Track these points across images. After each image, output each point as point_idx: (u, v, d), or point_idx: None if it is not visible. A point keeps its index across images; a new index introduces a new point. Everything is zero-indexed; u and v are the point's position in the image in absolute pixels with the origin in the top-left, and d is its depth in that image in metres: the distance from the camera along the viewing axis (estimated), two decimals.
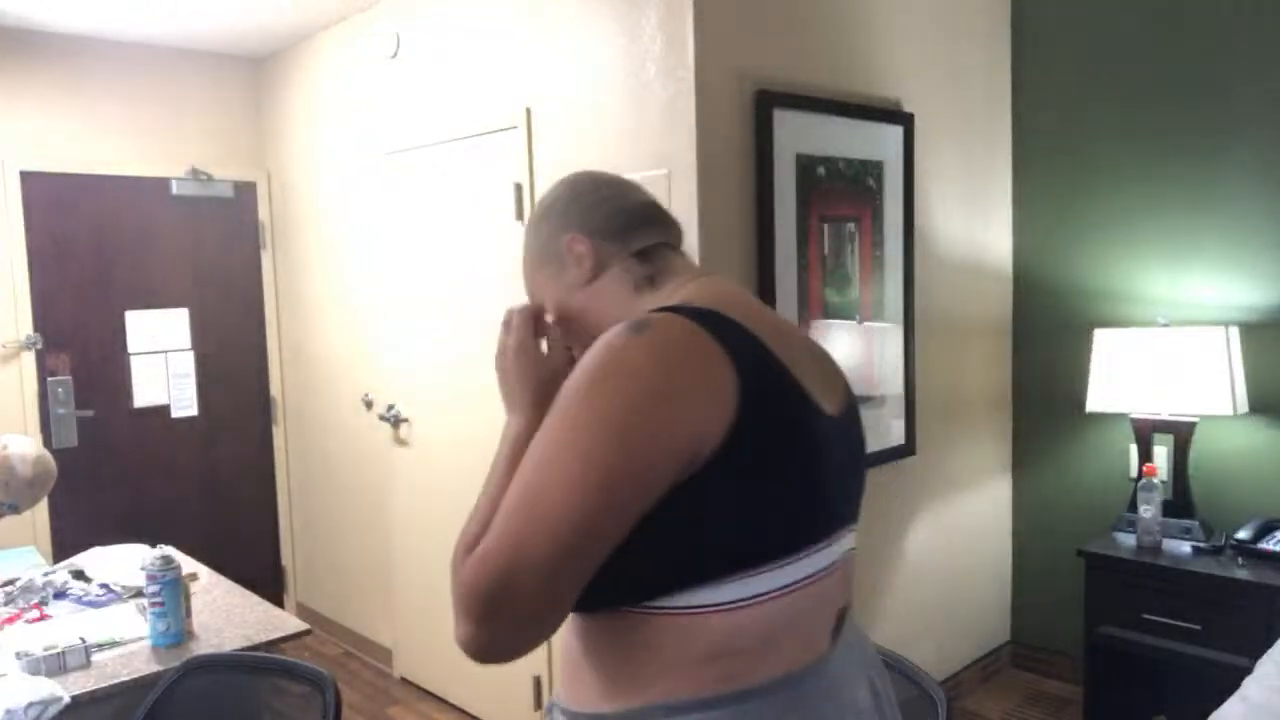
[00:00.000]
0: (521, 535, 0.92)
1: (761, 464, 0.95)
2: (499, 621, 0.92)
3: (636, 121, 2.69)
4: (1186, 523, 3.00)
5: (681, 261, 1.19)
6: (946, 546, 3.44)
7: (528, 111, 3.05)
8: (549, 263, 1.18)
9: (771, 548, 0.96)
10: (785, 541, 0.97)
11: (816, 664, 1.01)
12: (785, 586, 0.97)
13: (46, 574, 2.38)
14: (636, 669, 0.98)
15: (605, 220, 1.17)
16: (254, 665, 1.85)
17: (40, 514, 3.89)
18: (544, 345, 1.19)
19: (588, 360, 0.98)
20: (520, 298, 1.26)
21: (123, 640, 2.07)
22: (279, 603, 4.56)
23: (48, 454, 2.52)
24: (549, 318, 1.20)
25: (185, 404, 4.36)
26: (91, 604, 2.28)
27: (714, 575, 0.94)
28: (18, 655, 1.91)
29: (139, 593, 2.23)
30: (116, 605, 2.28)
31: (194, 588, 2.34)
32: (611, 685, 1.00)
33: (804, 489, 0.99)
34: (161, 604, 2.03)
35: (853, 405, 1.23)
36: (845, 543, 1.09)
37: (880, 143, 3.04)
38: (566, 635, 1.06)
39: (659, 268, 1.16)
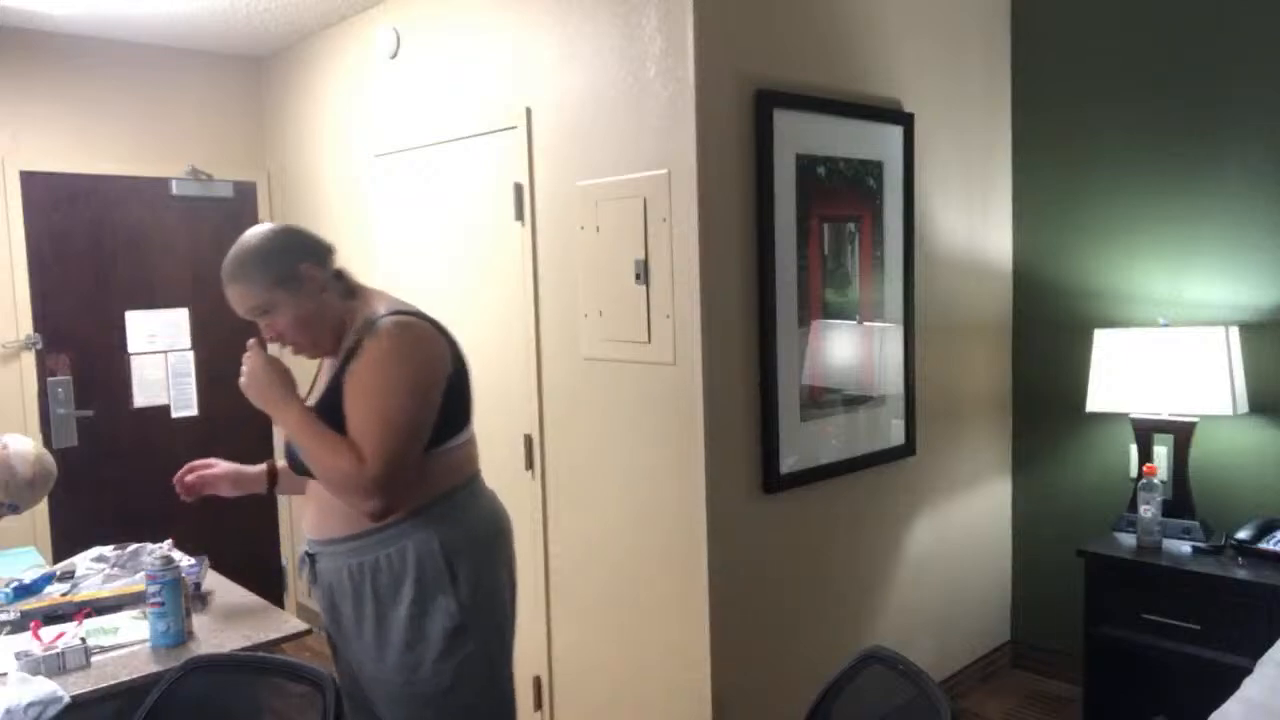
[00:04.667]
0: (390, 442, 1.73)
1: (460, 386, 1.90)
2: (392, 491, 1.74)
3: (636, 121, 2.69)
4: (1186, 523, 3.00)
5: (353, 279, 1.96)
6: (946, 546, 3.44)
7: (528, 111, 3.05)
8: (285, 284, 1.83)
9: (464, 421, 1.94)
10: (466, 420, 1.95)
11: (478, 473, 2.02)
12: (467, 439, 1.96)
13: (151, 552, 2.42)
14: (432, 479, 1.86)
15: (317, 254, 1.89)
16: (254, 665, 1.85)
17: (40, 514, 3.89)
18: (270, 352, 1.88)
19: (384, 343, 1.78)
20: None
21: (123, 640, 2.07)
22: (279, 603, 4.56)
23: (48, 454, 2.52)
24: (269, 333, 1.89)
25: (185, 404, 4.36)
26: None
27: (453, 433, 1.89)
28: (18, 655, 1.91)
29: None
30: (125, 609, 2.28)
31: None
32: (418, 494, 1.84)
33: (468, 397, 1.95)
34: (161, 604, 2.03)
35: None
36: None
37: (880, 143, 3.04)
38: (326, 492, 1.83)
39: (348, 284, 1.94)
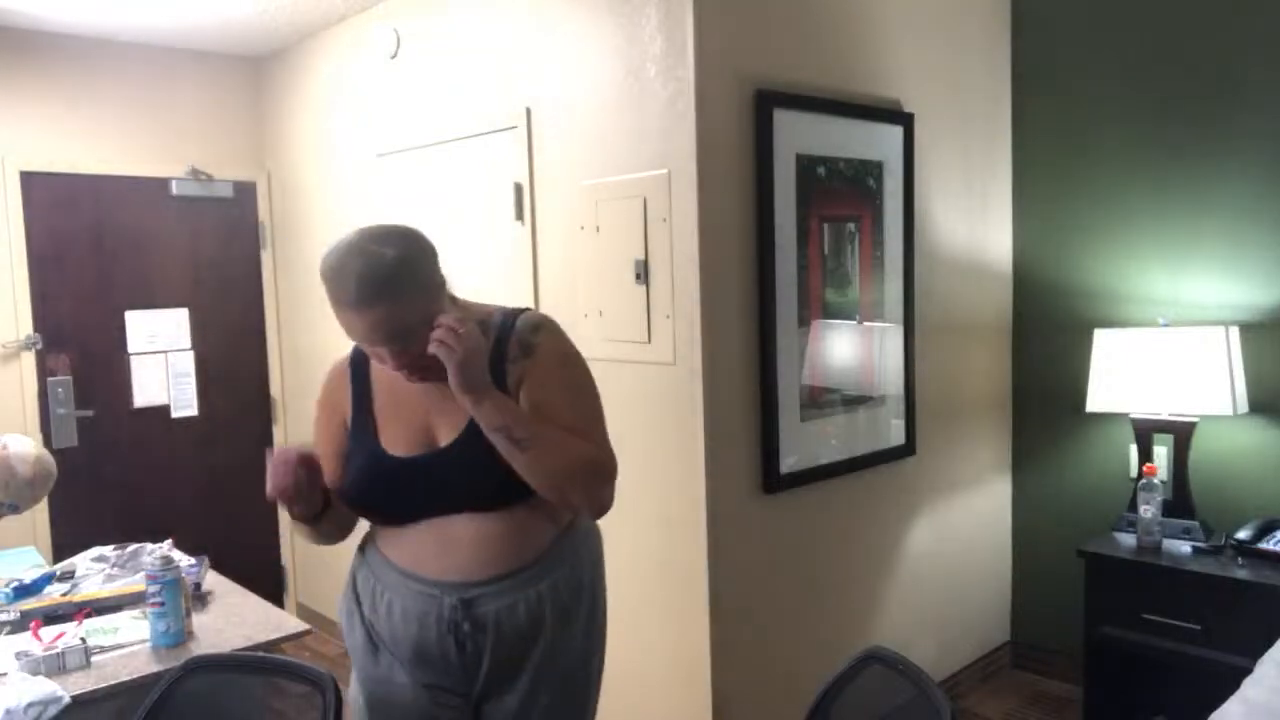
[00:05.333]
0: (605, 432, 1.71)
1: None
2: (614, 481, 1.70)
3: (636, 121, 2.69)
4: (1186, 523, 3.00)
5: None
6: (946, 546, 3.44)
7: (528, 111, 3.05)
8: (435, 298, 1.59)
9: None
10: None
11: None
12: None
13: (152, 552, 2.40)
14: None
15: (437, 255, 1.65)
16: (254, 665, 1.85)
17: (40, 514, 3.89)
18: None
19: (561, 339, 1.71)
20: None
21: (123, 640, 2.07)
22: (279, 603, 4.56)
23: (48, 454, 2.52)
24: (401, 361, 1.59)
25: (185, 404, 4.36)
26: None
27: None
28: (18, 655, 1.91)
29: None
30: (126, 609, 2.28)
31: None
32: (553, 523, 1.70)
33: None
34: (161, 604, 2.03)
35: None
36: None
37: (880, 143, 3.04)
38: (483, 527, 1.64)
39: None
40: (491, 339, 1.65)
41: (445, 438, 1.65)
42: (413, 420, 1.68)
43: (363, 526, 1.84)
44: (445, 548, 1.64)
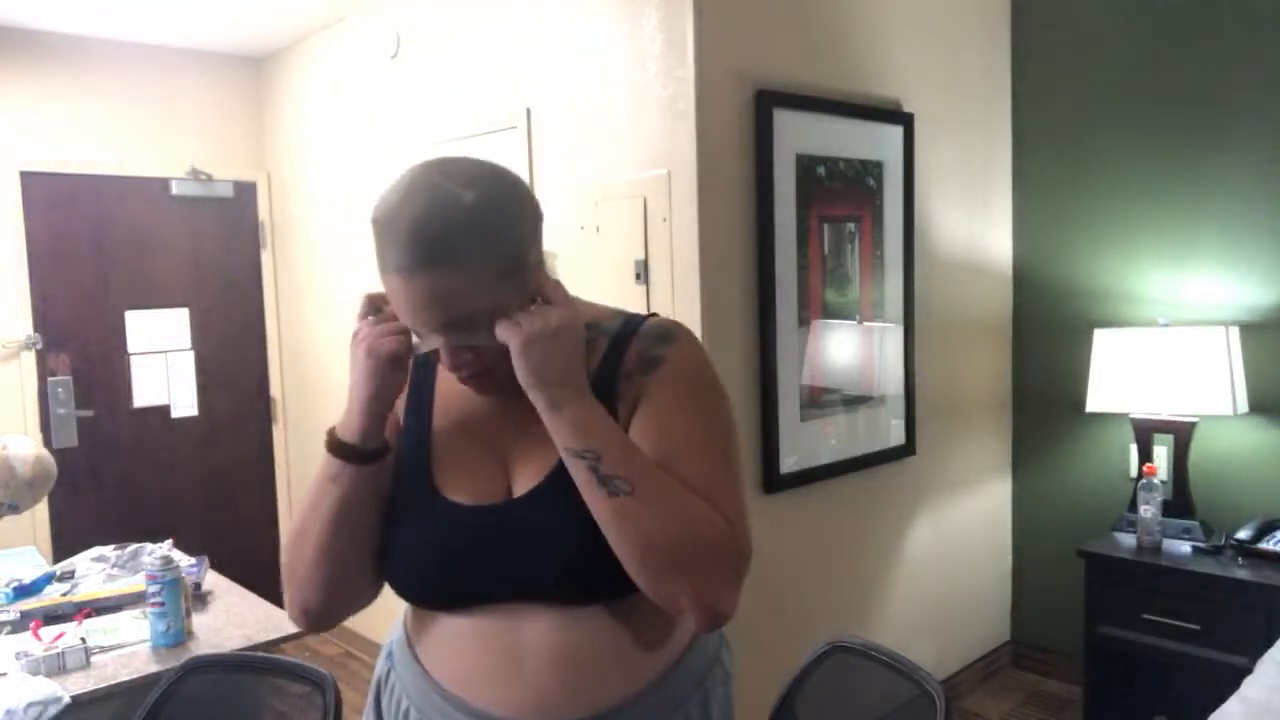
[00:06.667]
0: (744, 506, 1.10)
1: None
2: (744, 578, 1.10)
3: (636, 121, 2.69)
4: (1186, 523, 3.00)
5: None
6: (946, 546, 3.44)
7: (528, 111, 3.05)
8: (521, 268, 1.05)
9: None
10: None
11: None
12: None
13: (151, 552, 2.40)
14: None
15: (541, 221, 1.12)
16: (254, 665, 1.85)
17: (40, 514, 3.89)
18: None
19: (700, 359, 1.15)
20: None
21: (123, 640, 2.07)
22: (279, 603, 4.56)
23: (48, 454, 2.52)
24: (459, 360, 1.09)
25: (185, 404, 4.36)
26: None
27: None
28: (18, 655, 1.91)
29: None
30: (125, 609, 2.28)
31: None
32: (669, 628, 1.17)
33: None
34: (161, 604, 2.03)
35: None
36: None
37: (880, 143, 3.04)
38: (568, 634, 1.09)
39: None
40: (604, 347, 1.13)
41: (525, 482, 1.11)
42: (482, 451, 1.15)
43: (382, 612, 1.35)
44: (509, 663, 1.08)
